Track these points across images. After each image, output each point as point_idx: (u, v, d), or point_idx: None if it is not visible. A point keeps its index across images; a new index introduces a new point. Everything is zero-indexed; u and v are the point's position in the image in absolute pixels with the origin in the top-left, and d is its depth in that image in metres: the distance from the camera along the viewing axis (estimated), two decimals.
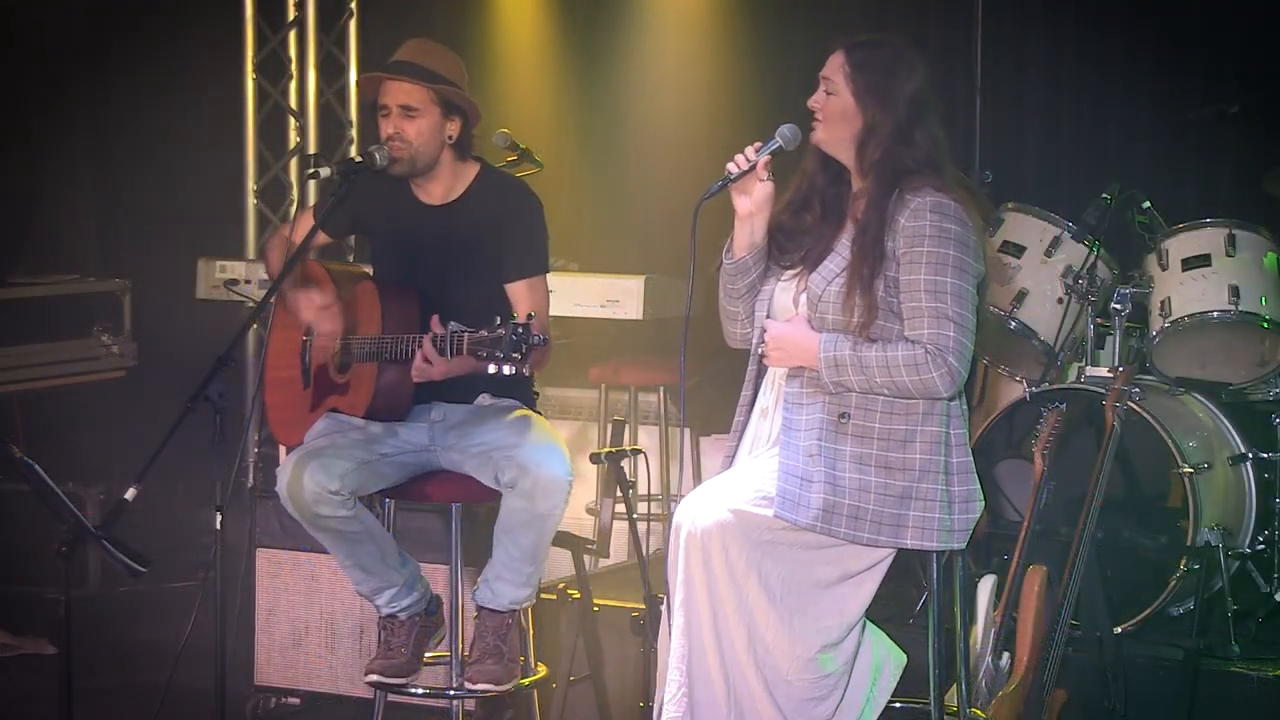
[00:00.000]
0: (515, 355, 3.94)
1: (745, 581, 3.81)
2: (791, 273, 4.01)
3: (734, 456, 4.08)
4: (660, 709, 3.91)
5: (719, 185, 3.96)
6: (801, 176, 4.04)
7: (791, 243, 4.02)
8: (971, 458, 3.93)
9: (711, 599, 3.82)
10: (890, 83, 3.90)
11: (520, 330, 3.94)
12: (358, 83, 4.55)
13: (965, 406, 3.95)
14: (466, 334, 4.05)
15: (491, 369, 3.96)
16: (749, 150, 3.95)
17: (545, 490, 4.28)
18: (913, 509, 3.83)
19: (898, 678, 4.02)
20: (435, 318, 4.16)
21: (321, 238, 4.60)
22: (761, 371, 4.07)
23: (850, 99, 3.91)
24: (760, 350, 4.01)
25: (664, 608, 3.95)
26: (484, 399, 4.53)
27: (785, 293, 4.00)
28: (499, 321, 3.99)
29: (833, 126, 3.94)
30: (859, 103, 3.90)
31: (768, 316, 4.02)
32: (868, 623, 3.98)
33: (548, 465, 4.28)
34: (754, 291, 4.06)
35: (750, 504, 3.83)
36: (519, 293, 4.47)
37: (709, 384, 6.09)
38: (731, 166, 3.95)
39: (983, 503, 3.92)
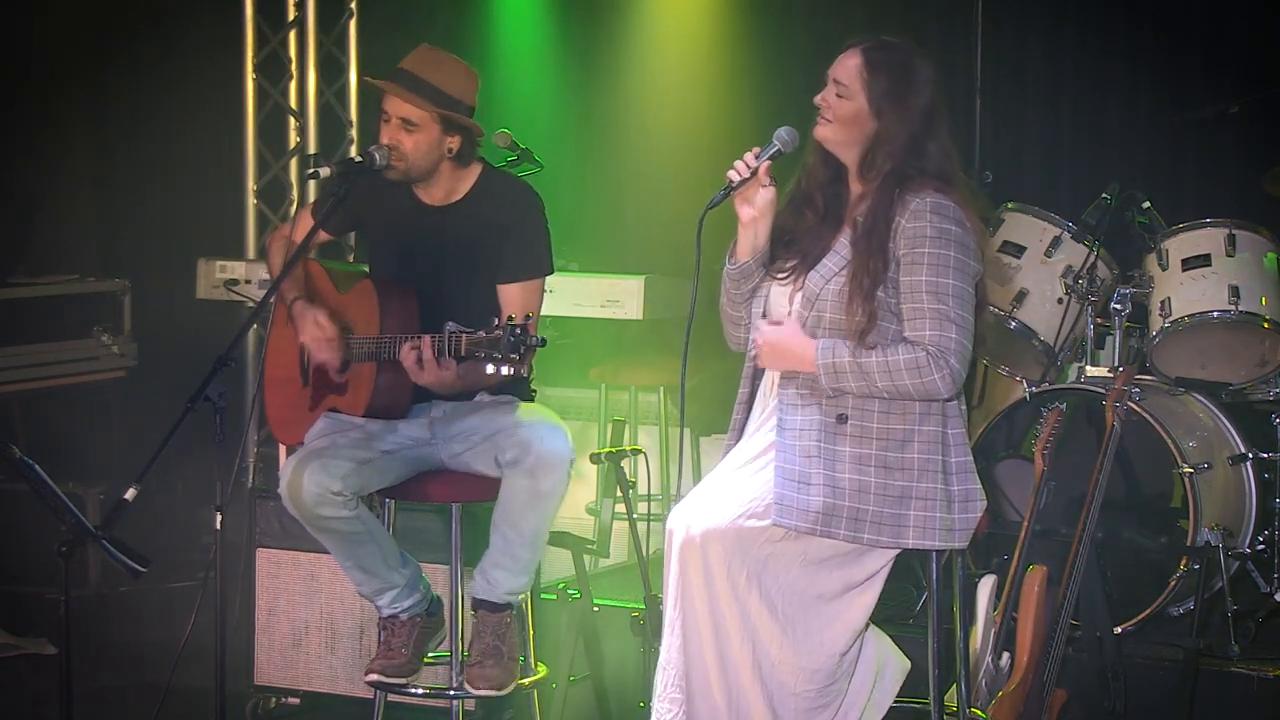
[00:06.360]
0: (513, 356, 3.94)
1: (747, 597, 3.79)
2: (787, 273, 4.00)
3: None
4: None
5: (722, 194, 3.92)
6: (802, 171, 4.02)
7: (788, 249, 3.99)
8: (971, 457, 3.92)
9: (713, 616, 3.79)
10: (907, 91, 3.86)
11: (518, 331, 3.94)
12: (365, 82, 4.52)
13: (964, 406, 3.94)
14: (464, 334, 4.05)
15: (490, 369, 3.97)
16: (748, 156, 3.91)
17: (547, 466, 4.27)
18: (913, 508, 3.81)
19: (900, 682, 4.01)
20: (426, 338, 4.16)
21: (322, 235, 4.60)
22: (759, 370, 4.06)
23: (864, 103, 3.86)
24: (752, 353, 4.00)
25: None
26: (483, 397, 4.53)
27: (781, 293, 3.98)
28: (496, 323, 4.00)
29: (841, 128, 3.90)
30: (873, 108, 3.86)
31: (763, 315, 4.00)
32: (870, 623, 3.97)
33: (549, 441, 4.28)
34: (755, 295, 4.05)
35: (747, 517, 3.81)
36: (511, 295, 4.46)
37: (709, 384, 6.09)
38: (733, 174, 3.91)
39: (984, 502, 3.91)
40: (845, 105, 3.89)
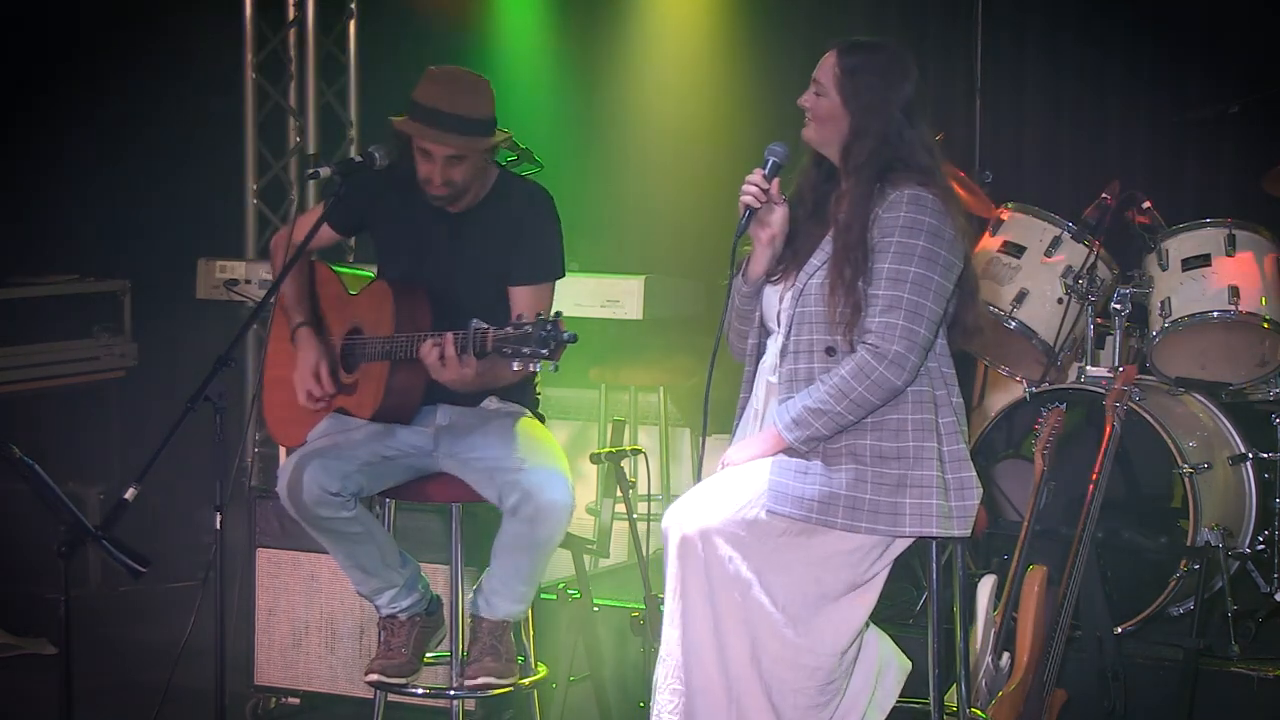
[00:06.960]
0: (543, 351, 3.90)
1: (747, 591, 3.79)
2: (778, 273, 4.00)
3: None
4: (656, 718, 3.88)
5: (745, 222, 3.94)
6: (800, 174, 4.04)
7: (783, 250, 4.01)
8: (965, 446, 3.92)
9: (714, 609, 3.80)
10: (881, 87, 3.88)
11: (549, 326, 3.90)
12: (400, 125, 4.46)
13: (956, 398, 3.93)
14: (490, 331, 4.03)
15: (517, 365, 3.91)
16: (756, 178, 3.92)
17: (546, 517, 4.27)
18: (909, 496, 3.81)
19: (901, 683, 4.01)
20: (448, 335, 4.14)
21: (328, 235, 4.58)
22: (755, 374, 4.06)
23: (838, 101, 3.90)
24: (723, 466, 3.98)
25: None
26: (490, 402, 4.52)
27: (773, 293, 4.00)
28: (524, 318, 3.97)
29: (821, 127, 3.94)
30: (847, 106, 3.89)
31: (760, 316, 4.02)
32: (871, 624, 3.97)
33: (550, 491, 4.26)
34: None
35: (746, 511, 3.81)
36: (521, 298, 4.44)
37: (712, 386, 6.09)
38: (749, 200, 3.91)
39: (979, 490, 3.91)
40: (822, 104, 3.93)
